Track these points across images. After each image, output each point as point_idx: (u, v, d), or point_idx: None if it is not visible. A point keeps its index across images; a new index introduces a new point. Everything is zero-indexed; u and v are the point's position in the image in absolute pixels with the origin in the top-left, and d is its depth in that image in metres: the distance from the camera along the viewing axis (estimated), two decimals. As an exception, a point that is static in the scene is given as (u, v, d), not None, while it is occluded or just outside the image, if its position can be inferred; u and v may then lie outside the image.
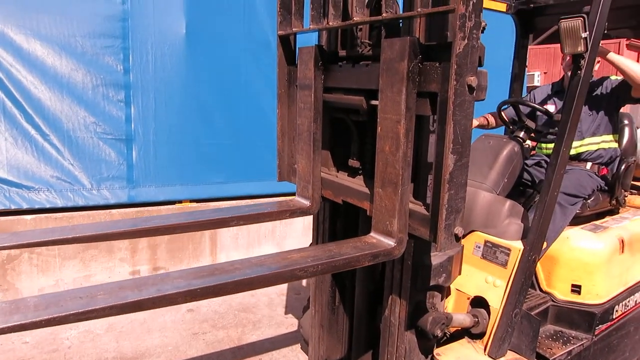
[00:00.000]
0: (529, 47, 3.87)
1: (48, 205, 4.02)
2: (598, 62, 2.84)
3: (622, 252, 2.51)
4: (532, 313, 2.21)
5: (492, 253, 2.29)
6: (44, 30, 3.93)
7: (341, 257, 1.29)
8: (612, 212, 2.94)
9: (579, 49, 1.99)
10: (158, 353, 3.41)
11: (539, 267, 2.44)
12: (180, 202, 4.60)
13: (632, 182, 3.06)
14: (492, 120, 3.26)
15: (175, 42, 4.39)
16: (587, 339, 2.34)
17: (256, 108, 4.81)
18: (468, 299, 2.23)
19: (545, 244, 2.26)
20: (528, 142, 2.90)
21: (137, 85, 4.28)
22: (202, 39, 4.50)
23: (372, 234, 1.44)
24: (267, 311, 4.07)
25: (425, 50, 1.31)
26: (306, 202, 1.76)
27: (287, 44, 1.86)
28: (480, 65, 1.24)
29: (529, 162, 2.92)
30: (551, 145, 2.47)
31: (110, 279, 4.21)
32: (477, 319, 2.11)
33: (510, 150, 2.57)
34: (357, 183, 1.69)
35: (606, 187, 2.83)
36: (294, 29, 1.77)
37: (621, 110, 2.96)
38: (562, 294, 2.41)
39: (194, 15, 4.43)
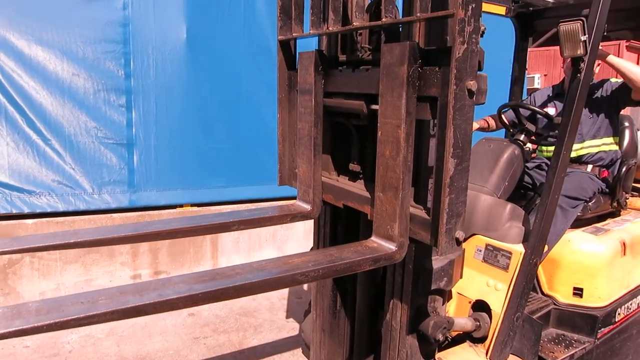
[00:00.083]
0: (529, 49, 3.88)
1: (49, 210, 4.02)
2: (598, 64, 2.85)
3: (624, 254, 2.51)
4: (534, 316, 2.21)
5: (493, 256, 2.29)
6: (45, 36, 3.95)
7: (342, 262, 1.29)
8: (614, 214, 2.94)
9: (579, 52, 1.99)
10: (159, 357, 3.40)
11: (540, 270, 2.44)
12: (181, 206, 4.60)
13: (633, 184, 3.06)
14: (492, 123, 3.27)
15: (176, 47, 4.41)
16: (589, 342, 2.33)
17: (257, 112, 4.82)
18: (469, 302, 2.23)
19: (546, 247, 2.26)
20: (528, 145, 2.90)
21: (138, 90, 4.29)
22: (203, 44, 4.52)
23: (373, 238, 1.44)
24: (268, 315, 4.07)
25: (425, 54, 1.31)
26: (307, 207, 1.77)
27: (287, 48, 1.86)
28: (479, 69, 1.24)
29: (529, 165, 2.93)
30: (552, 148, 2.48)
31: (112, 283, 4.21)
32: (478, 323, 2.10)
33: (511, 153, 2.57)
34: (358, 187, 1.69)
35: (607, 190, 2.83)
36: (294, 34, 1.78)
37: (621, 112, 2.96)
38: (564, 297, 2.40)
39: (194, 20, 4.44)
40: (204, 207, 4.69)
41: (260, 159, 4.84)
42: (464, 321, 2.08)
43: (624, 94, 2.73)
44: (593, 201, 2.70)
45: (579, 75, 2.02)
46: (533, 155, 3.14)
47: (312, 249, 2.21)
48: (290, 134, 1.92)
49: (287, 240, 5.10)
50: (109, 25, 4.13)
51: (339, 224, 1.97)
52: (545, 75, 11.29)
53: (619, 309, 2.48)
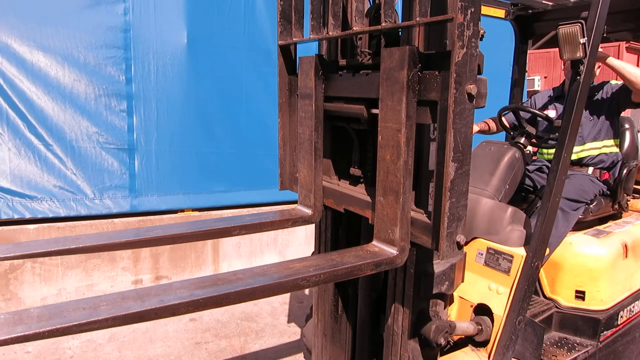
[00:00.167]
0: (529, 51, 3.88)
1: (51, 215, 4.03)
2: (598, 66, 2.85)
3: (626, 257, 2.50)
4: (536, 320, 2.20)
5: (494, 260, 2.29)
6: (47, 42, 3.96)
7: (343, 266, 1.29)
8: (615, 216, 2.94)
9: (578, 55, 1.99)
10: (161, 363, 3.40)
11: (542, 274, 2.44)
12: (182, 210, 4.61)
13: (634, 186, 3.05)
14: (492, 125, 3.27)
15: (177, 52, 4.42)
16: (592, 345, 2.33)
17: (257, 117, 4.83)
18: (471, 306, 2.23)
19: (548, 250, 2.25)
20: (529, 147, 2.90)
21: (139, 95, 4.30)
22: (203, 49, 4.53)
23: (374, 242, 1.44)
24: (269, 320, 4.06)
25: (425, 59, 1.32)
26: (308, 211, 1.77)
27: (287, 53, 1.87)
28: (479, 72, 1.25)
29: (530, 167, 2.93)
30: (552, 151, 2.48)
31: (113, 288, 4.21)
32: (480, 327, 2.10)
33: (512, 156, 2.57)
34: (359, 191, 1.69)
35: (608, 192, 2.83)
36: (294, 39, 1.78)
37: (622, 114, 2.96)
38: (566, 300, 2.40)
39: (195, 25, 4.46)
40: (205, 212, 4.69)
41: (261, 163, 4.85)
42: (465, 325, 2.07)
43: (624, 96, 2.73)
44: (594, 204, 2.70)
45: (578, 77, 2.02)
46: (534, 157, 3.14)
47: (313, 253, 2.21)
48: (291, 138, 1.92)
49: (288, 245, 5.10)
50: (110, 30, 4.15)
51: (340, 229, 1.97)
52: (545, 77, 11.30)
53: (621, 312, 2.47)
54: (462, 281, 1.88)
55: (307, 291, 4.43)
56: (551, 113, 2.99)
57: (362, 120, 1.61)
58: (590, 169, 2.82)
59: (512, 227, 2.34)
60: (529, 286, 2.09)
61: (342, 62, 1.77)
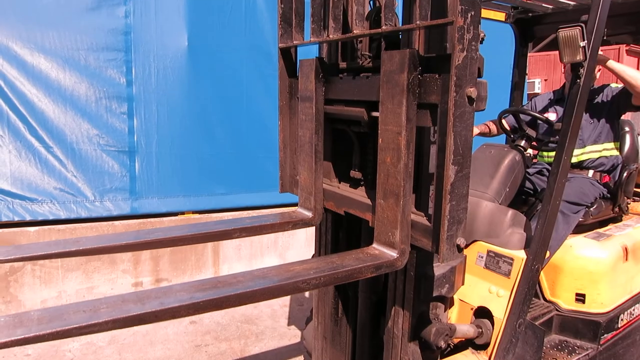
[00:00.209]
0: (529, 54, 3.89)
1: (51, 217, 4.03)
2: (599, 69, 2.86)
3: (626, 260, 2.50)
4: (537, 323, 2.20)
5: (495, 263, 2.28)
6: (48, 44, 3.97)
7: (344, 269, 1.29)
8: (615, 219, 2.94)
9: (578, 58, 2.00)
10: (161, 365, 3.40)
11: (542, 277, 2.43)
12: (182, 213, 4.61)
13: (635, 189, 3.05)
14: (493, 127, 3.27)
15: (178, 54, 4.43)
16: (592, 348, 2.32)
17: (258, 119, 4.84)
18: (471, 309, 2.22)
19: (548, 253, 2.25)
20: (529, 150, 2.90)
21: (139, 98, 4.31)
22: (204, 51, 4.54)
23: (374, 245, 1.44)
24: (270, 323, 4.06)
25: (425, 62, 1.32)
26: (308, 214, 1.77)
27: (288, 56, 1.87)
28: (479, 76, 1.25)
29: (530, 170, 2.92)
30: (553, 154, 2.48)
31: (113, 291, 4.21)
32: (480, 330, 2.10)
33: (512, 159, 2.57)
34: (359, 194, 1.69)
35: (608, 195, 2.82)
36: (294, 42, 1.79)
37: (622, 117, 2.96)
38: (567, 303, 2.39)
39: (195, 27, 4.47)
40: (206, 214, 4.69)
41: (262, 166, 4.85)
42: (466, 328, 2.07)
43: (625, 99, 2.73)
44: (594, 206, 2.70)
45: (578, 80, 2.03)
46: (534, 160, 3.14)
47: (313, 256, 2.21)
48: (292, 141, 1.92)
49: (288, 248, 5.10)
50: (111, 33, 4.15)
51: (341, 231, 1.97)
52: (545, 80, 11.32)
53: (621, 315, 2.47)
54: (463, 284, 1.88)
55: (307, 294, 4.42)
56: (551, 116, 2.99)
57: (363, 123, 1.62)
58: (591, 172, 2.82)
59: (513, 230, 2.34)
60: (529, 289, 2.09)
61: (343, 64, 1.77)
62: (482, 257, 2.35)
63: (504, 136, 3.23)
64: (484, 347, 2.10)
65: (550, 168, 2.20)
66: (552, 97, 3.16)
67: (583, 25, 1.98)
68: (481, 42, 1.23)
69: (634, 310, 2.57)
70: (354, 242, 1.90)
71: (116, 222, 4.26)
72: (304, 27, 1.79)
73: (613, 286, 2.42)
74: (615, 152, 2.88)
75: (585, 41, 1.97)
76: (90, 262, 4.12)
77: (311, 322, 2.44)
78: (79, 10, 4.03)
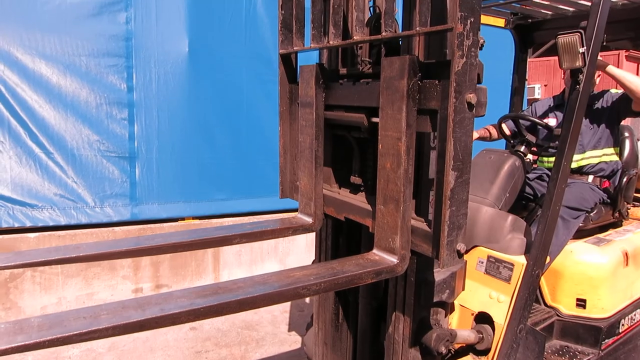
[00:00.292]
0: (529, 59, 3.90)
1: (51, 223, 4.03)
2: (598, 75, 2.86)
3: (627, 265, 2.50)
4: (537, 328, 2.20)
5: (495, 268, 2.28)
6: (49, 50, 3.98)
7: (344, 275, 1.29)
8: (615, 225, 2.94)
9: (577, 64, 2.00)
10: (161, 371, 3.39)
11: (543, 282, 2.43)
12: (183, 219, 4.61)
13: (635, 195, 3.05)
14: (493, 132, 3.27)
15: (178, 60, 4.44)
16: (593, 353, 2.32)
17: (258, 125, 4.84)
18: (472, 314, 2.22)
19: (548, 258, 2.25)
20: (529, 156, 2.91)
21: (140, 104, 4.31)
22: (205, 57, 4.55)
23: (374, 250, 1.44)
24: (270, 328, 4.05)
25: (425, 68, 1.32)
26: (308, 219, 1.77)
27: (288, 62, 1.88)
28: (479, 82, 1.25)
29: (530, 175, 2.93)
30: (552, 159, 2.48)
31: (113, 297, 4.20)
32: (481, 335, 2.09)
33: (512, 164, 2.58)
34: (359, 200, 1.69)
35: (608, 200, 2.83)
36: (295, 48, 1.79)
37: (622, 122, 2.97)
38: (567, 308, 2.39)
39: (196, 33, 4.48)
40: (206, 220, 4.69)
41: (262, 171, 4.86)
42: (466, 333, 2.07)
43: (625, 104, 2.74)
44: (594, 212, 2.70)
45: (578, 86, 2.03)
46: (534, 166, 3.14)
47: (313, 261, 2.20)
48: (292, 146, 1.92)
49: (289, 253, 5.09)
50: (112, 39, 4.17)
51: (341, 237, 1.97)
52: (545, 85, 11.34)
53: (622, 320, 2.46)
54: (463, 289, 1.88)
55: (307, 300, 4.41)
56: (551, 121, 3.00)
57: (363, 129, 1.62)
58: (591, 177, 2.82)
59: (513, 235, 2.34)
60: (529, 294, 2.09)
61: (343, 70, 1.78)
62: (482, 263, 2.35)
63: (503, 141, 3.23)
64: (484, 352, 2.09)
65: (550, 173, 2.20)
66: (552, 103, 3.17)
67: (582, 31, 1.99)
68: (480, 48, 1.24)
69: (634, 315, 2.56)
70: (354, 248, 1.90)
71: (116, 228, 4.26)
72: (304, 33, 1.79)
73: (614, 291, 2.41)
74: (615, 158, 2.88)
75: (585, 47, 1.98)
76: (90, 268, 4.11)
77: (312, 328, 2.43)
78: (81, 17, 4.04)
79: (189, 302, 1.11)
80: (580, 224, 2.59)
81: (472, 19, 1.17)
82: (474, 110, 1.22)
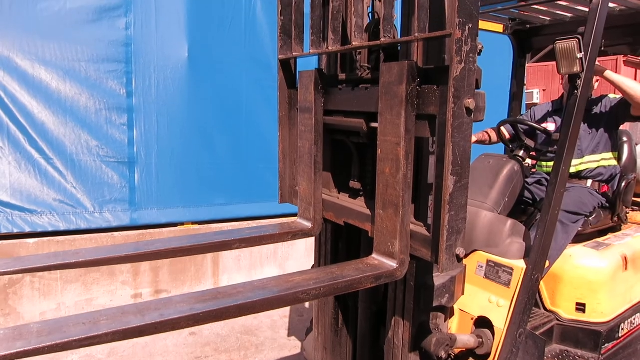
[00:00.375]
0: (528, 65, 3.91)
1: (51, 229, 4.02)
2: (597, 80, 2.87)
3: (626, 269, 2.50)
4: (537, 333, 2.20)
5: (494, 273, 2.28)
6: (48, 56, 3.99)
7: (343, 280, 1.29)
8: (615, 229, 2.94)
9: (575, 70, 2.01)
10: (160, 377, 3.38)
11: (542, 286, 2.43)
12: (182, 224, 4.60)
13: (633, 199, 3.06)
14: (493, 135, 3.27)
15: (178, 65, 4.45)
16: (593, 358, 2.32)
17: (257, 130, 4.85)
18: (472, 319, 2.22)
19: (547, 262, 2.25)
20: (528, 160, 2.91)
21: (139, 109, 4.32)
22: (204, 63, 4.56)
23: (374, 255, 1.44)
24: (270, 333, 4.04)
25: (424, 73, 1.33)
26: (308, 224, 1.77)
27: (287, 67, 1.89)
28: (477, 87, 1.26)
29: (529, 180, 2.93)
30: (551, 164, 2.49)
31: (113, 302, 4.19)
32: (481, 340, 2.09)
33: (511, 169, 2.58)
34: (359, 204, 1.69)
35: (607, 205, 2.83)
36: (294, 54, 1.80)
37: (620, 127, 2.97)
38: (567, 312, 2.39)
39: (196, 39, 4.50)
40: (205, 225, 4.68)
41: (261, 176, 4.86)
42: (466, 338, 2.07)
43: (623, 109, 2.75)
44: (593, 216, 2.70)
45: (576, 91, 2.04)
46: (533, 170, 3.15)
47: (313, 266, 2.20)
48: (291, 151, 1.93)
49: (288, 258, 5.09)
50: (112, 44, 4.18)
51: (340, 241, 1.97)
52: (544, 90, 11.37)
53: (622, 324, 2.46)
54: (463, 294, 1.89)
55: (307, 304, 4.41)
56: (550, 126, 3.01)
57: (362, 134, 1.63)
58: (589, 182, 2.83)
59: (512, 239, 2.34)
60: (529, 299, 2.09)
61: (342, 76, 1.78)
62: (481, 267, 2.35)
63: (502, 146, 3.24)
64: (484, 357, 2.09)
65: (549, 178, 2.21)
66: (550, 108, 3.17)
67: (580, 37, 2.00)
68: (479, 54, 1.25)
69: (634, 319, 2.56)
70: (353, 252, 1.90)
71: (115, 234, 4.25)
72: (303, 39, 1.80)
73: (613, 295, 2.41)
74: (614, 162, 2.88)
75: (583, 53, 1.99)
76: (90, 273, 4.10)
77: (311, 332, 2.43)
78: (80, 22, 4.05)
79: (189, 308, 1.11)
80: (580, 229, 2.59)
81: (470, 25, 1.18)
82: (472, 116, 1.23)
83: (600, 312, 2.36)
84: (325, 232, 1.98)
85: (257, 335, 4.00)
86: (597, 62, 2.20)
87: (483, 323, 2.16)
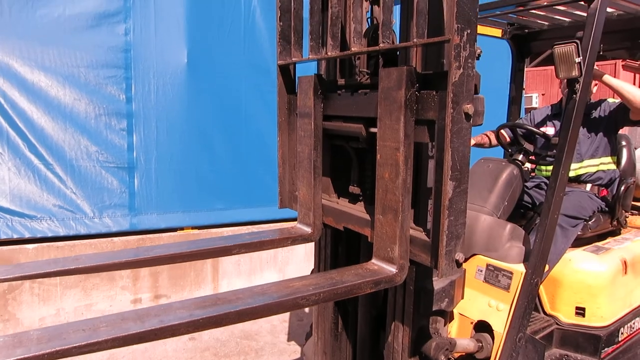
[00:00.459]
0: (527, 69, 3.92)
1: (50, 234, 4.02)
2: (596, 84, 2.88)
3: (625, 273, 2.50)
4: (537, 337, 2.20)
5: (494, 277, 2.28)
6: (48, 62, 4.00)
7: (343, 285, 1.29)
8: (614, 233, 2.94)
9: (573, 74, 2.02)
10: (160, 383, 3.37)
11: (542, 290, 2.43)
12: (182, 229, 4.60)
13: (633, 203, 3.06)
14: (492, 138, 3.27)
15: (177, 71, 4.46)
16: (593, 362, 2.32)
17: (257, 134, 4.86)
18: (471, 323, 2.22)
19: (547, 266, 2.26)
20: (527, 164, 2.92)
21: (139, 114, 4.33)
22: (203, 68, 4.57)
23: (373, 260, 1.44)
24: (269, 338, 4.04)
25: (422, 78, 1.33)
26: (307, 229, 1.77)
27: (287, 73, 1.89)
28: (476, 92, 1.26)
29: (528, 184, 2.94)
30: (551, 167, 2.49)
31: (112, 308, 4.19)
32: (481, 344, 2.09)
33: (510, 173, 2.59)
34: (358, 209, 1.69)
35: (607, 208, 2.83)
36: (293, 59, 1.81)
37: (619, 131, 2.98)
38: (567, 316, 2.39)
39: (195, 44, 4.51)
40: (205, 230, 4.68)
41: (261, 180, 4.86)
42: (466, 342, 2.06)
43: (622, 114, 2.75)
44: (593, 220, 2.71)
45: (574, 96, 2.05)
46: (532, 174, 3.15)
47: (312, 271, 2.20)
48: (290, 156, 1.93)
49: (288, 262, 5.09)
50: (111, 50, 4.19)
51: (340, 246, 1.97)
52: (543, 94, 11.38)
53: (622, 329, 2.46)
54: (462, 298, 1.88)
55: (307, 309, 4.40)
56: (549, 130, 3.01)
57: (361, 139, 1.63)
58: (589, 186, 2.83)
59: (511, 243, 2.35)
60: (529, 303, 2.09)
61: (341, 81, 1.79)
62: (481, 271, 2.35)
63: (501, 150, 3.25)
64: (484, 362, 2.09)
65: (548, 182, 2.21)
66: (549, 111, 3.18)
67: (578, 41, 2.01)
68: (477, 59, 1.25)
69: (634, 323, 2.56)
70: (353, 257, 1.90)
71: (115, 239, 4.25)
72: (302, 45, 1.81)
73: (613, 300, 2.41)
74: (613, 166, 2.89)
75: (581, 57, 2.00)
76: (89, 279, 4.10)
77: (311, 337, 2.43)
78: (79, 28, 4.06)
79: (188, 314, 1.11)
80: (579, 233, 2.59)
81: (468, 31, 1.18)
82: (471, 121, 1.23)
83: (599, 316, 2.36)
84: (324, 237, 1.98)
85: (257, 340, 3.99)
86: (595, 67, 2.21)
87: (483, 327, 2.16)
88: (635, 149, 3.17)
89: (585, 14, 2.14)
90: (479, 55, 1.26)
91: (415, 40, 1.31)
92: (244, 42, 4.77)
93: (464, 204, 1.27)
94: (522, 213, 2.89)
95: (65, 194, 4.09)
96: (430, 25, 1.33)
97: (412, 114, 1.32)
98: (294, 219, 1.85)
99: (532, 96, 10.80)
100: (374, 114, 1.45)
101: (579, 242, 2.61)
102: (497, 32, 3.27)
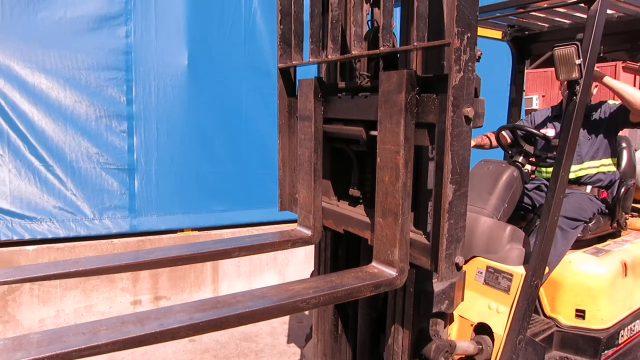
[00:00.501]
0: (527, 70, 3.93)
1: (50, 236, 4.02)
2: (596, 86, 2.88)
3: (625, 275, 2.50)
4: (537, 339, 2.20)
5: (494, 279, 2.28)
6: (49, 64, 4.00)
7: (343, 288, 1.29)
8: (614, 235, 2.94)
9: (574, 76, 2.02)
10: (160, 385, 3.37)
11: (542, 292, 2.43)
12: (182, 230, 4.60)
13: (633, 205, 3.06)
14: (492, 140, 3.27)
15: (178, 73, 4.46)
16: (593, 365, 2.32)
17: (257, 136, 4.86)
18: (471, 325, 2.22)
19: (547, 268, 2.25)
20: (527, 166, 2.92)
21: (139, 116, 4.33)
22: (204, 70, 4.57)
23: (373, 263, 1.45)
24: (269, 340, 4.03)
25: (423, 82, 1.34)
26: (307, 232, 1.77)
27: (287, 76, 1.89)
28: (476, 95, 1.27)
29: (529, 186, 2.93)
30: (551, 169, 2.49)
31: (112, 309, 4.18)
32: (481, 346, 2.09)
33: (510, 175, 2.59)
34: (358, 212, 1.70)
35: (607, 210, 2.83)
36: (293, 62, 1.81)
37: (619, 133, 2.98)
38: (567, 319, 2.39)
39: (195, 46, 4.51)
40: (205, 232, 4.68)
41: (261, 182, 4.86)
42: (466, 344, 2.06)
43: (623, 116, 2.75)
44: (593, 222, 2.70)
45: (575, 97, 2.05)
46: (532, 176, 3.15)
47: (312, 273, 2.20)
48: (291, 159, 1.93)
49: (288, 265, 5.08)
50: (112, 53, 4.19)
51: (340, 249, 1.97)
52: (543, 96, 11.39)
53: (622, 331, 2.46)
54: (462, 300, 1.88)
55: (307, 311, 4.40)
56: (550, 132, 3.01)
57: (361, 142, 1.63)
58: (589, 188, 2.83)
59: (511, 245, 2.34)
60: (529, 305, 2.08)
61: (341, 84, 1.79)
62: (481, 273, 2.35)
63: (501, 151, 3.24)
64: (484, 364, 2.09)
65: (548, 184, 2.21)
66: (550, 113, 3.18)
67: (579, 43, 2.01)
68: (478, 60, 1.25)
69: (634, 326, 2.56)
70: (353, 260, 1.90)
71: (115, 240, 4.25)
72: (303, 48, 1.81)
73: (613, 302, 2.41)
74: (613, 168, 2.89)
75: (581, 59, 2.00)
76: (89, 280, 4.10)
77: (311, 339, 2.43)
78: (80, 31, 4.06)
79: (188, 317, 1.11)
80: (579, 235, 2.59)
81: (468, 34, 1.19)
82: (471, 124, 1.23)
83: (599, 319, 2.36)
84: (324, 240, 1.98)
85: (257, 342, 3.99)
86: (595, 68, 2.21)
87: (483, 329, 2.16)
88: (636, 150, 3.16)
89: (585, 16, 2.14)
90: (479, 57, 1.26)
91: (415, 43, 1.31)
92: (245, 44, 4.77)
93: (464, 207, 1.27)
94: (522, 215, 2.89)
95: (65, 195, 4.09)
96: (430, 29, 1.33)
97: (412, 117, 1.32)
98: (294, 221, 1.86)
99: (532, 98, 10.81)
100: (374, 117, 1.45)
101: (579, 244, 2.61)
102: (498, 34, 3.28)
